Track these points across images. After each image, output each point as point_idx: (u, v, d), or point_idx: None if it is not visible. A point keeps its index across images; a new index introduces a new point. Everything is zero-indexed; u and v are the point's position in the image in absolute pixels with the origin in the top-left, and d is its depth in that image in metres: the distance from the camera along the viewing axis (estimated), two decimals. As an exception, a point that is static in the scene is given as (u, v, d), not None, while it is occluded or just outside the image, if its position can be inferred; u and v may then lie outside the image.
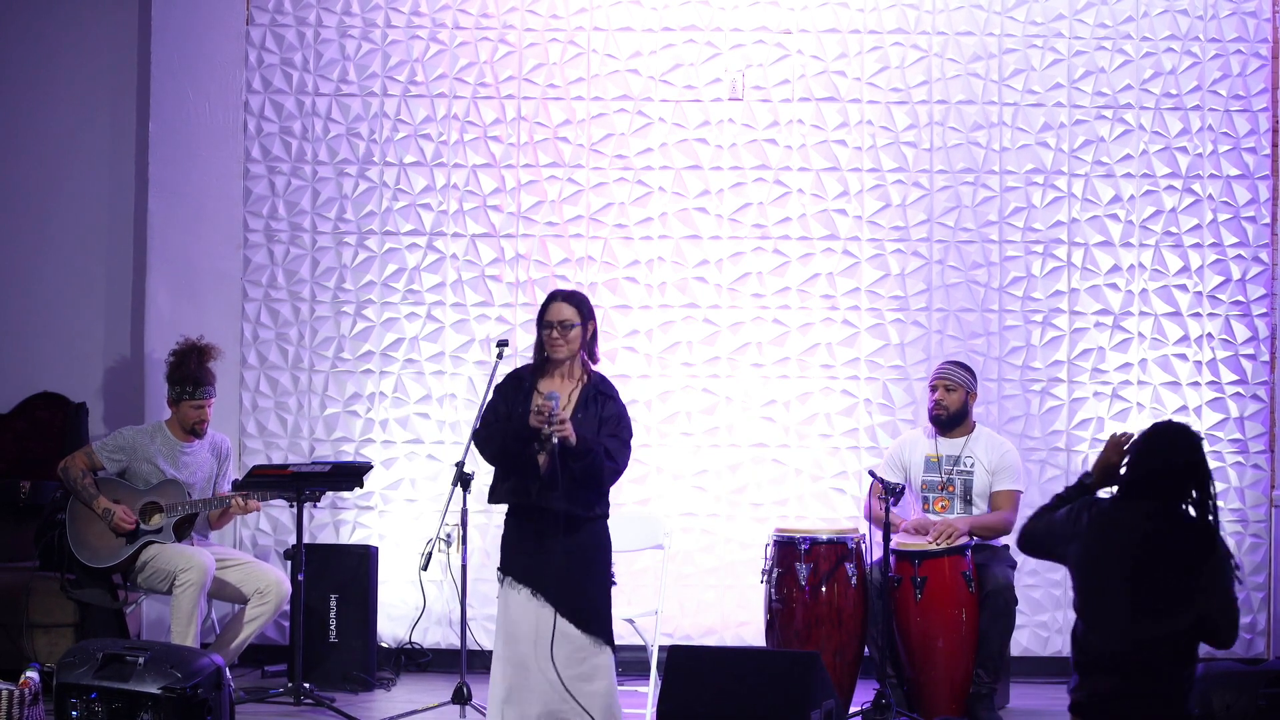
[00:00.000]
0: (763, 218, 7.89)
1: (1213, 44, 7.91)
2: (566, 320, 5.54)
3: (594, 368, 5.66)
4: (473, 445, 5.70)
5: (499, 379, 5.79)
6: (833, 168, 7.90)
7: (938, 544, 6.58)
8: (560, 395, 5.47)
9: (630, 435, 5.61)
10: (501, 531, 5.69)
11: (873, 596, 6.53)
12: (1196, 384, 7.85)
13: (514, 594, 5.52)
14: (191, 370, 6.93)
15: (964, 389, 6.91)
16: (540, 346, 5.62)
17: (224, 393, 7.23)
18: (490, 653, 5.68)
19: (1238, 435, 7.83)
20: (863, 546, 6.64)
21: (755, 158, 7.91)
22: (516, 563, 5.54)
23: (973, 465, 6.88)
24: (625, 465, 5.59)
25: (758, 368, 7.85)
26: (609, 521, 5.67)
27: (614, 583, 5.68)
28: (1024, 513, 7.02)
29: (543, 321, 5.58)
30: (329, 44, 7.96)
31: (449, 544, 7.47)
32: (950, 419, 6.90)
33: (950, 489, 6.89)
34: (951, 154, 7.89)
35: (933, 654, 6.49)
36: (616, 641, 7.62)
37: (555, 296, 5.61)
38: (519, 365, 5.82)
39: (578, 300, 5.61)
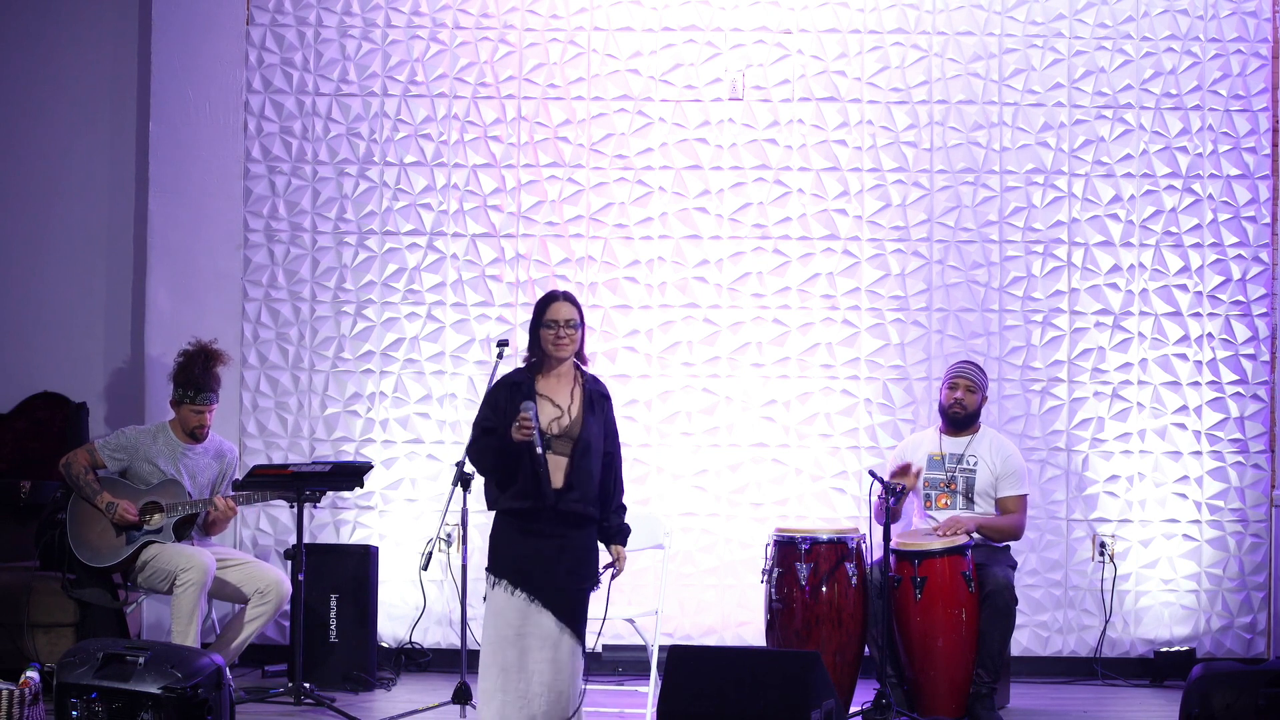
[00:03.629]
0: (763, 218, 7.89)
1: (1213, 44, 7.92)
2: (571, 319, 5.51)
3: (585, 368, 5.65)
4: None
5: (492, 385, 5.69)
6: (833, 168, 7.90)
7: (941, 535, 6.62)
8: (559, 397, 5.48)
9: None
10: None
11: (873, 596, 6.54)
12: (1196, 384, 7.85)
13: (508, 598, 5.49)
14: (195, 375, 6.92)
15: (981, 391, 6.98)
16: (535, 349, 5.57)
17: (224, 392, 7.22)
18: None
19: (1238, 435, 7.83)
20: (863, 546, 6.64)
21: (755, 158, 7.91)
22: (510, 565, 5.49)
23: (976, 464, 6.90)
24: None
25: (758, 368, 7.85)
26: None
27: (596, 585, 5.62)
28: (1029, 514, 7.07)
29: (544, 321, 5.52)
30: (329, 44, 7.96)
31: (449, 544, 7.48)
32: (967, 418, 6.94)
33: (953, 486, 6.91)
34: (951, 154, 7.89)
35: (933, 654, 6.50)
36: (616, 642, 7.71)
37: (556, 296, 5.56)
38: (508, 372, 5.69)
39: (576, 301, 5.60)
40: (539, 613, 5.42)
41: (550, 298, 5.56)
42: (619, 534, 5.58)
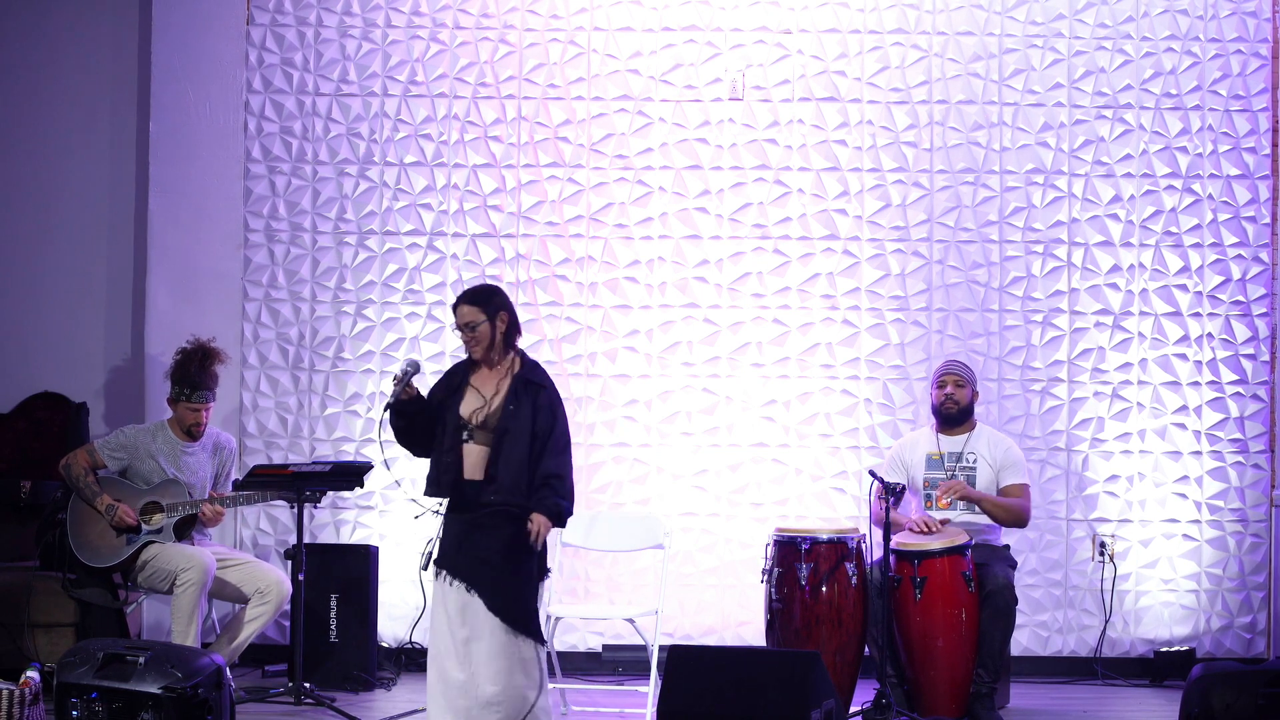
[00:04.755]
0: (763, 218, 7.89)
1: (1213, 44, 7.92)
2: (470, 321, 5.67)
3: (527, 354, 5.76)
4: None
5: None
6: (833, 168, 7.90)
7: (946, 498, 6.70)
8: (486, 389, 5.63)
9: (566, 435, 5.65)
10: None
11: (873, 596, 6.54)
12: (1196, 384, 7.85)
13: (445, 587, 5.55)
14: (192, 373, 6.93)
15: (970, 385, 6.97)
16: None
17: (224, 393, 7.23)
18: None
19: (1238, 435, 7.83)
20: (863, 546, 6.64)
21: (755, 158, 7.91)
22: (441, 552, 5.60)
23: (975, 462, 6.89)
24: (571, 475, 5.63)
25: (758, 368, 7.86)
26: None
27: (547, 571, 5.65)
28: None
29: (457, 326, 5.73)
30: (329, 44, 7.96)
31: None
32: (960, 413, 6.93)
33: None
34: (951, 154, 7.90)
35: (933, 654, 6.50)
36: (616, 642, 7.71)
37: (459, 300, 5.74)
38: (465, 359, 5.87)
39: (481, 298, 5.70)
40: (472, 600, 5.47)
41: (455, 302, 5.75)
42: (540, 504, 5.52)
